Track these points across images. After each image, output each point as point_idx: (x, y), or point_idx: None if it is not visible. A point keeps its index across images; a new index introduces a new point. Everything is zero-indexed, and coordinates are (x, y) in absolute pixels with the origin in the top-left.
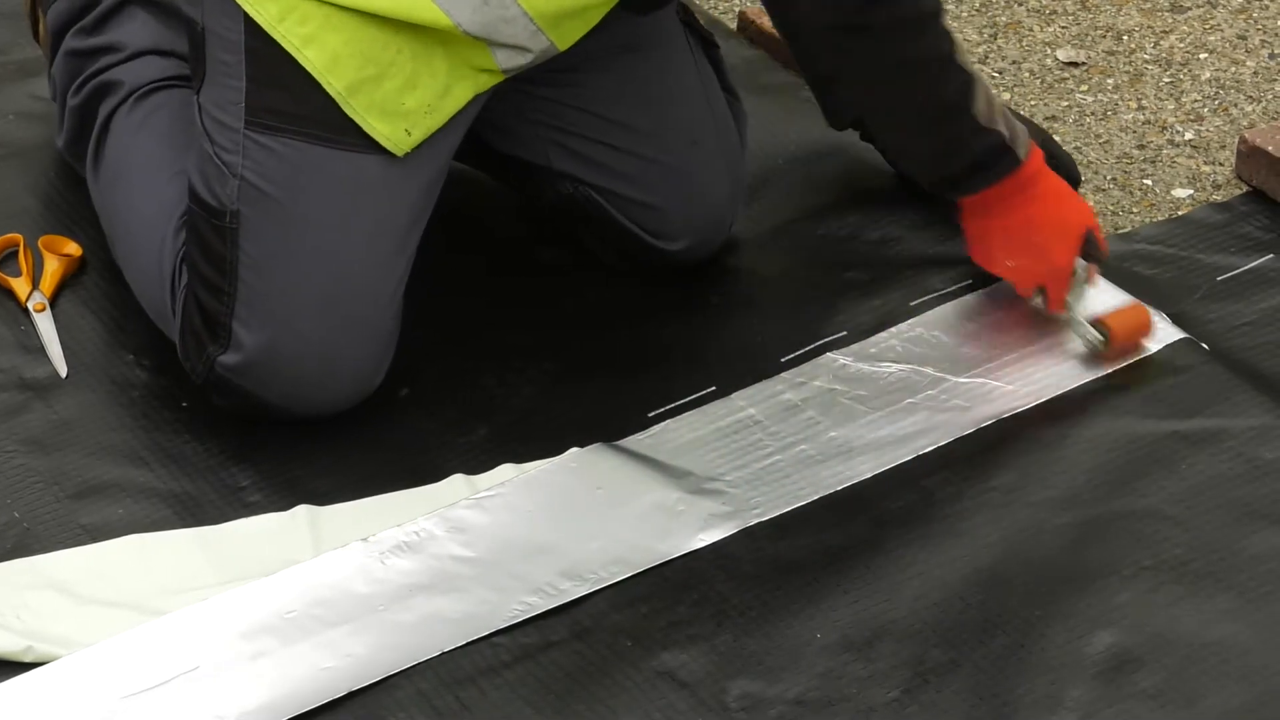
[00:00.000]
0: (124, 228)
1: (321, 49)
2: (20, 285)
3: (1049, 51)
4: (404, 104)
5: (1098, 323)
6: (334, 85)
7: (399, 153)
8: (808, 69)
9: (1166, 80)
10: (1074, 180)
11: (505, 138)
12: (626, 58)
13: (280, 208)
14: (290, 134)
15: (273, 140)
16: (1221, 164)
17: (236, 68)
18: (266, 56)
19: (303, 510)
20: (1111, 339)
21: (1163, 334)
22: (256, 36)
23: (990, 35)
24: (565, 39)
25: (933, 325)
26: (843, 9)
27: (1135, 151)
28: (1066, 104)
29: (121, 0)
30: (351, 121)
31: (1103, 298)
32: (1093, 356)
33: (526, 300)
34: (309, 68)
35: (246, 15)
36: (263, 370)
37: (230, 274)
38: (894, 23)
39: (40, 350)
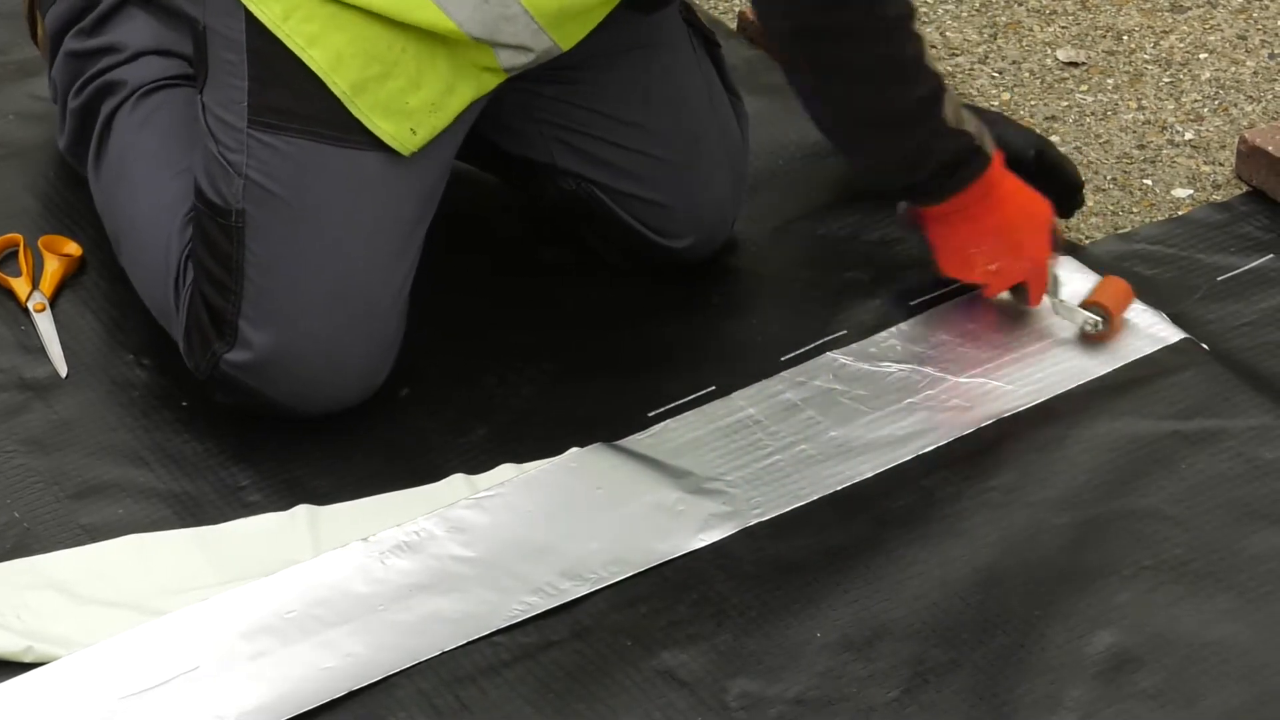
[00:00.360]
0: (128, 224)
1: (326, 48)
2: (20, 285)
3: (1049, 51)
4: (408, 103)
5: (1090, 304)
6: (339, 85)
7: (405, 152)
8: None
9: (1166, 80)
10: (1075, 186)
11: (509, 135)
12: (631, 56)
13: (286, 206)
14: (294, 133)
15: (277, 139)
16: (1221, 164)
17: (239, 67)
18: (270, 55)
19: (303, 510)
20: (1111, 318)
21: (1163, 334)
22: (259, 35)
23: (990, 35)
24: (568, 39)
25: (933, 325)
26: (798, 12)
27: (1135, 151)
28: (1066, 104)
29: (120, 1)
30: (356, 120)
31: (1071, 277)
32: (1087, 340)
33: (527, 300)
34: (314, 67)
35: (249, 14)
36: (270, 368)
37: (237, 272)
38: (853, 27)
39: (40, 350)
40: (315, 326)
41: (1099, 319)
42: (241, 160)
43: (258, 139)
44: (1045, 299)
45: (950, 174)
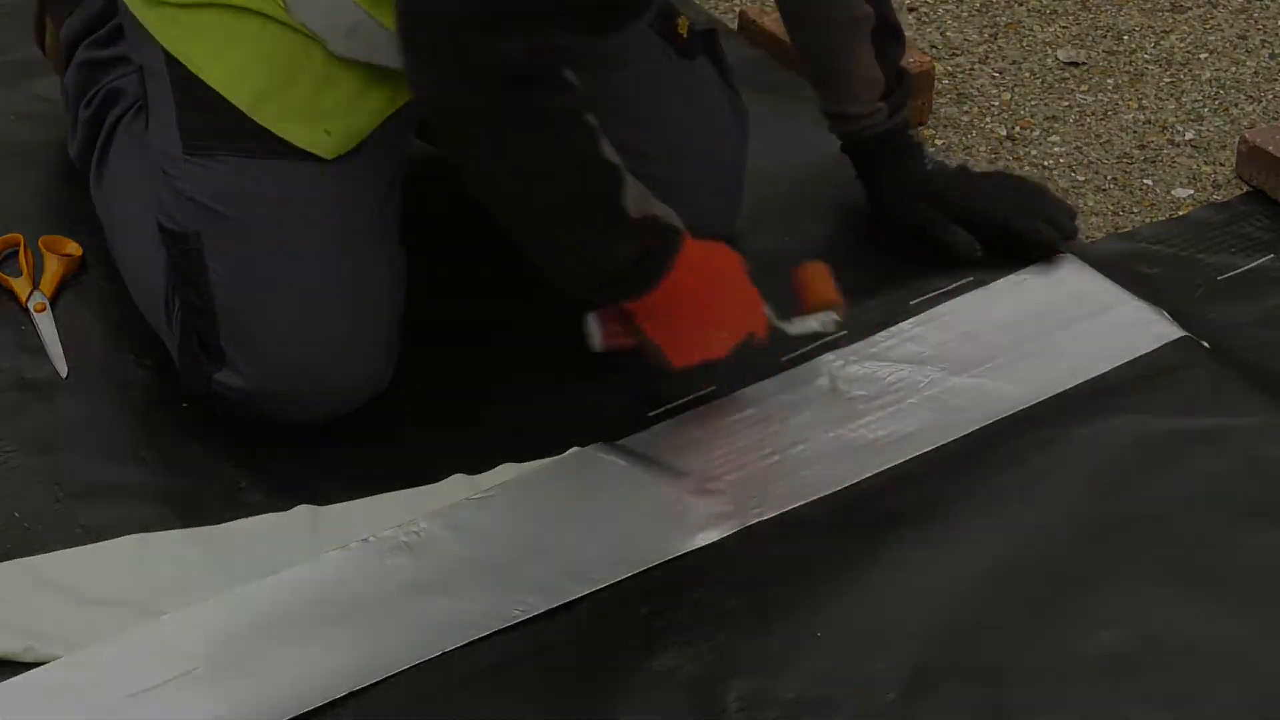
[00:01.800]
0: (122, 242)
1: (223, 64)
2: (20, 285)
3: (1049, 51)
4: (320, 105)
5: (814, 306)
6: (240, 98)
7: (326, 155)
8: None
9: (1167, 80)
10: (1069, 232)
11: None
12: (593, 77)
13: (232, 224)
14: (224, 152)
15: (210, 161)
16: (1222, 164)
17: (167, 96)
18: (185, 81)
19: (303, 510)
20: (838, 306)
21: (1163, 332)
22: (173, 64)
23: (990, 35)
24: None
25: (933, 325)
26: (459, 94)
27: (1136, 151)
28: (1067, 104)
29: None
30: (269, 131)
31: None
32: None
33: (527, 299)
34: (213, 84)
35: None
36: (259, 390)
37: (206, 294)
38: (532, 112)
39: (40, 350)
40: (289, 342)
41: (832, 315)
42: (186, 185)
43: (194, 162)
44: (776, 324)
45: (651, 256)
